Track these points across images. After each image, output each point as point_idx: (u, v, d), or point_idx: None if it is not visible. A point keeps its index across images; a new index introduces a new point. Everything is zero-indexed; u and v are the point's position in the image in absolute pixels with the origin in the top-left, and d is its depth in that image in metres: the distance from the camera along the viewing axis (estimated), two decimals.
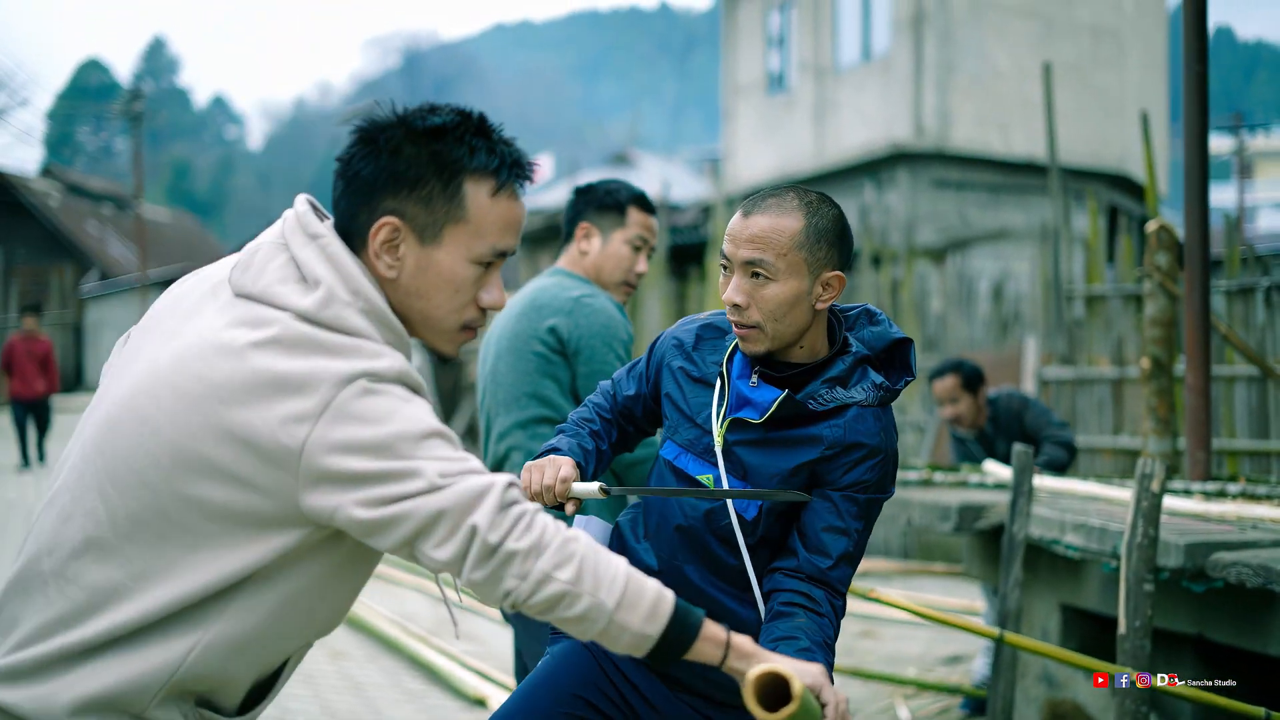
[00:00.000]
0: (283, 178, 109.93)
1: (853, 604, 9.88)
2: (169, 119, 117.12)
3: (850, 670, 7.35)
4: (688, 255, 15.95)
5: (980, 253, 16.73)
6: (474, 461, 2.03)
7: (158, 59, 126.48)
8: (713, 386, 2.93)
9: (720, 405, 2.89)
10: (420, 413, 2.03)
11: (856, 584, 8.52)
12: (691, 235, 17.13)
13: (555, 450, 2.96)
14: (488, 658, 8.07)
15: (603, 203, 4.32)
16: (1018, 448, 5.08)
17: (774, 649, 2.56)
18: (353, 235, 2.19)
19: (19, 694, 2.03)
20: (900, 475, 6.79)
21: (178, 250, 51.35)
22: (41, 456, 18.35)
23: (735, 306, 2.77)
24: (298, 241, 2.18)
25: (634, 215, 4.33)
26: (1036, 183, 16.79)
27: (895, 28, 17.82)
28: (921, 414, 12.21)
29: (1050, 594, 5.86)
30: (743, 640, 2.17)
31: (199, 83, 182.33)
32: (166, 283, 47.65)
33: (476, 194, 2.17)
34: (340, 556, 2.13)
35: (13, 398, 17.91)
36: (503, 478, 2.02)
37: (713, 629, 2.15)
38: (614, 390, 3.17)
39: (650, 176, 36.78)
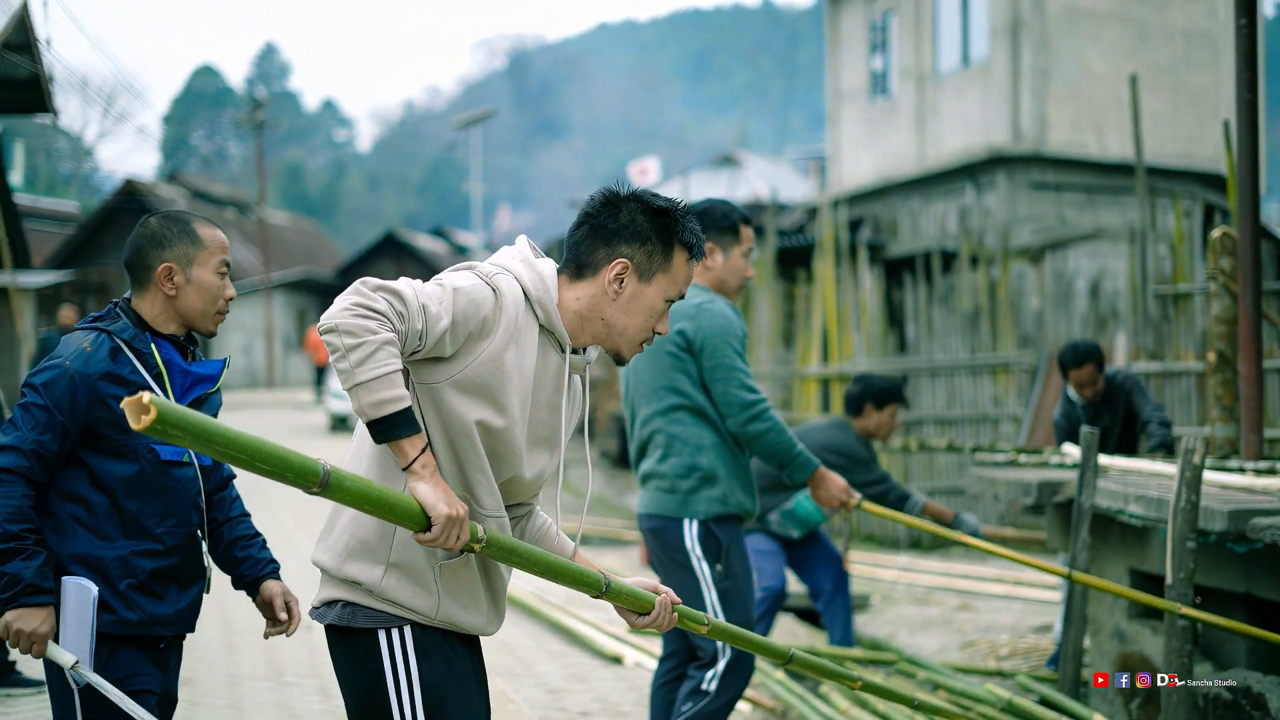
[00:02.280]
0: (392, 180, 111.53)
1: (951, 580, 10.72)
2: (280, 123, 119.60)
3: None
4: (794, 257, 16.69)
5: (1078, 252, 17.38)
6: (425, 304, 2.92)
7: (269, 64, 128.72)
8: (150, 388, 3.65)
9: (170, 394, 3.70)
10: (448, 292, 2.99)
11: (954, 564, 9.43)
12: (798, 238, 17.88)
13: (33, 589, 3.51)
14: (619, 623, 8.98)
15: (721, 224, 5.26)
16: (1084, 430, 5.89)
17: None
18: (585, 266, 3.17)
19: None
20: (989, 457, 7.60)
21: (297, 253, 52.86)
22: None
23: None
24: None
25: (744, 231, 5.29)
26: (1132, 183, 17.41)
27: (993, 35, 18.49)
28: (1017, 407, 12.94)
29: (1119, 559, 6.65)
30: (429, 462, 2.90)
31: (309, 87, 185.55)
32: (288, 285, 49.30)
33: (679, 257, 3.20)
34: None
35: None
36: (385, 332, 2.84)
37: (413, 447, 2.88)
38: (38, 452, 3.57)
39: (757, 178, 37.51)
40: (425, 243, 53.90)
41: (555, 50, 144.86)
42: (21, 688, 7.25)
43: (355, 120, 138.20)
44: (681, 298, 3.27)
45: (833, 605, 7.70)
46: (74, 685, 3.56)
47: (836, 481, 5.20)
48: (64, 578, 3.57)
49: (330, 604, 3.13)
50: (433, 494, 2.86)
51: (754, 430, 5.04)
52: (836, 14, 22.80)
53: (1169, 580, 5.17)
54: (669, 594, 3.35)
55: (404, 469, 2.91)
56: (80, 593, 3.55)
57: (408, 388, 3.01)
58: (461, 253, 52.81)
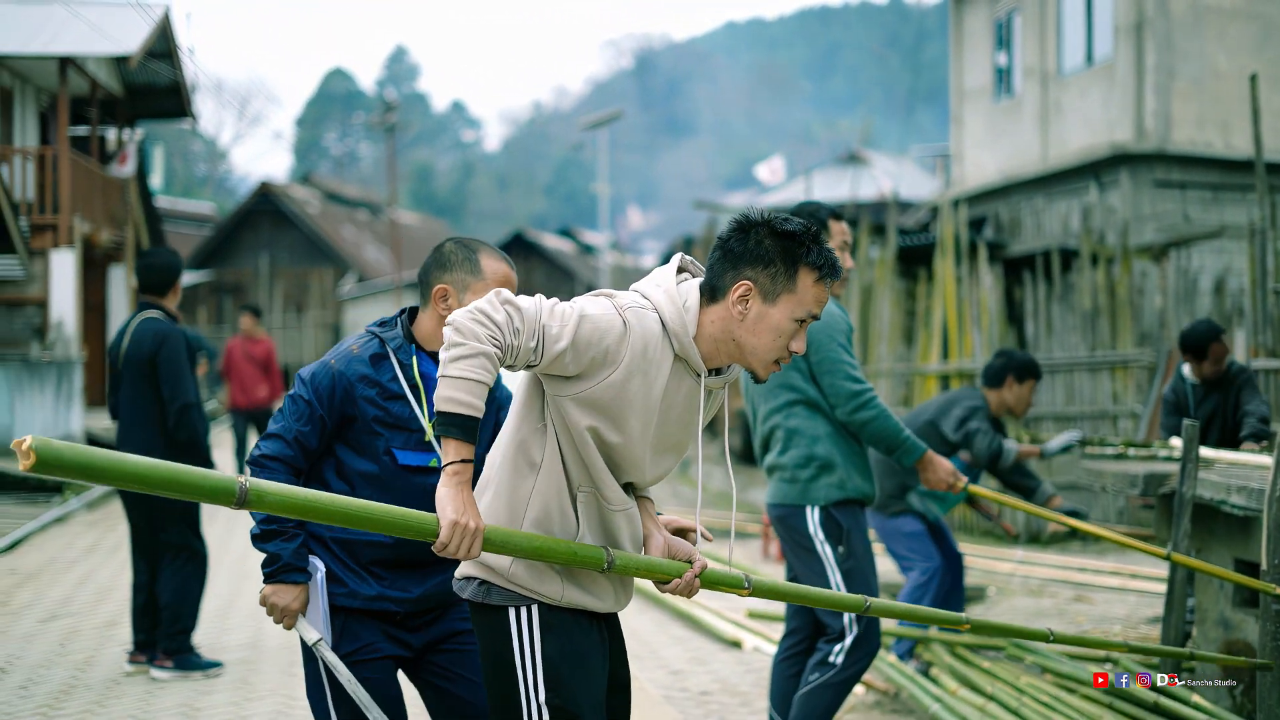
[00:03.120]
0: (520, 180, 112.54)
1: (1067, 574, 10.89)
2: (410, 125, 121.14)
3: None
4: (916, 256, 16.83)
5: (1202, 250, 17.36)
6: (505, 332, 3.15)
7: (399, 66, 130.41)
8: (406, 398, 4.00)
9: (424, 408, 3.99)
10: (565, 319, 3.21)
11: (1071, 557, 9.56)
12: (921, 236, 18.03)
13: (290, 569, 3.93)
14: (739, 609, 9.31)
15: (810, 219, 5.56)
16: (1186, 423, 6.10)
17: None
18: (716, 289, 3.36)
19: None
20: (1099, 450, 7.79)
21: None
22: None
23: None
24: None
25: (834, 226, 5.57)
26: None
27: (1117, 33, 18.51)
28: (1136, 403, 13.04)
29: (1224, 549, 6.83)
30: (462, 471, 3.13)
31: (438, 88, 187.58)
32: (418, 284, 49.83)
33: (805, 279, 3.34)
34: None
35: (231, 407, 16.91)
36: (492, 345, 3.12)
37: (456, 451, 3.12)
38: (300, 441, 3.95)
39: (882, 176, 37.54)
40: (552, 242, 54.47)
41: (682, 49, 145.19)
42: (197, 670, 7.78)
43: (483, 121, 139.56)
44: (815, 318, 3.40)
45: (947, 603, 7.96)
46: (320, 658, 3.94)
47: (944, 464, 5.52)
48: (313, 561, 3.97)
49: (469, 579, 3.44)
50: (447, 499, 3.11)
51: (861, 418, 5.36)
52: (960, 13, 22.89)
53: (1264, 565, 5.38)
54: (701, 563, 3.52)
55: (441, 466, 3.22)
56: (312, 566, 3.96)
57: (542, 404, 3.33)
58: (588, 252, 53.40)
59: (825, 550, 5.44)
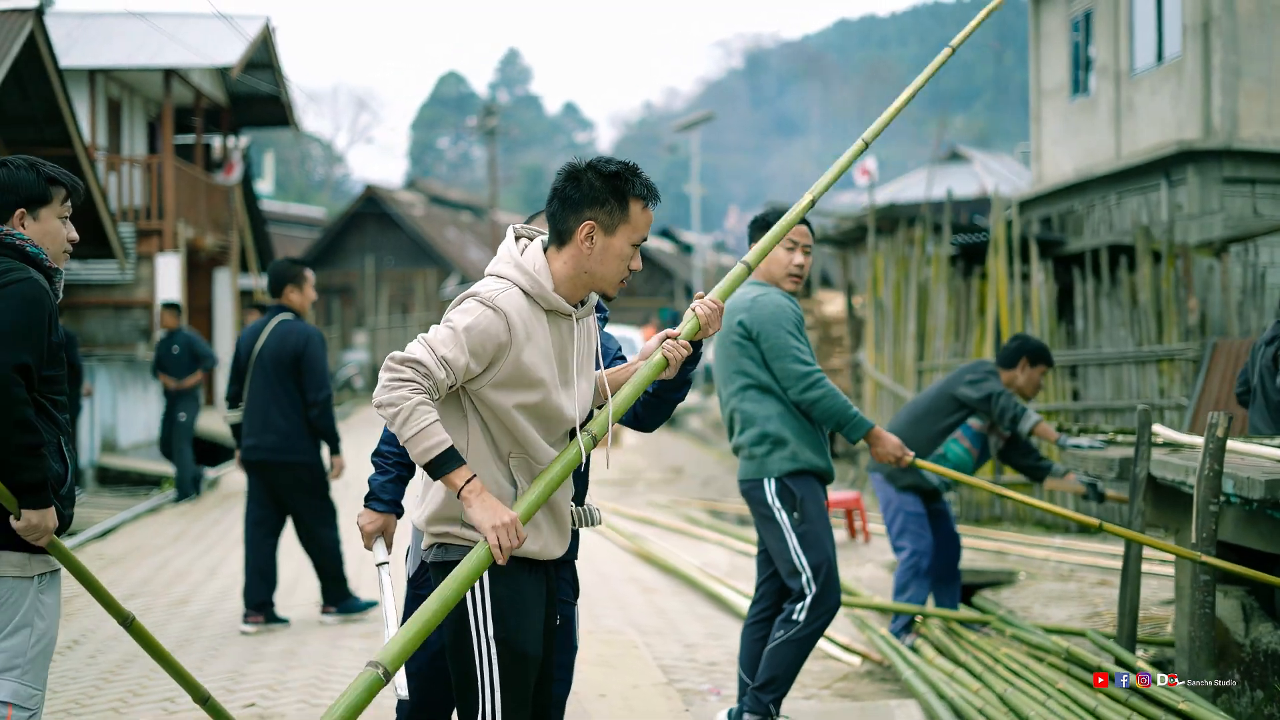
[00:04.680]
0: None
1: (1098, 560, 11.24)
2: (522, 126, 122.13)
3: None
4: (980, 254, 17.06)
5: (1271, 245, 17.50)
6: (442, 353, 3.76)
7: (511, 69, 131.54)
8: None
9: None
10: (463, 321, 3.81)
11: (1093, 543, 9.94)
12: (977, 235, 18.27)
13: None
14: None
15: (761, 224, 6.05)
16: (1140, 408, 6.52)
17: None
18: (563, 234, 3.95)
19: None
20: (1090, 440, 8.17)
21: None
22: None
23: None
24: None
25: (796, 229, 6.02)
26: None
27: (1185, 32, 18.67)
28: (1182, 397, 13.32)
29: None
30: (474, 484, 3.76)
31: (550, 91, 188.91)
32: None
33: (635, 208, 3.93)
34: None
35: None
36: (424, 356, 3.75)
37: (459, 478, 3.74)
38: None
39: (982, 173, 37.63)
40: (652, 243, 55.03)
41: (793, 48, 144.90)
42: (358, 610, 9.08)
43: (595, 123, 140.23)
44: (645, 240, 4.02)
45: (941, 584, 8.41)
46: (379, 575, 4.60)
47: (890, 439, 6.07)
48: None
49: (430, 548, 4.04)
50: (481, 514, 3.76)
51: (810, 397, 5.94)
52: (1039, 12, 23.13)
53: (1193, 539, 5.81)
54: (665, 333, 4.15)
55: (457, 496, 3.80)
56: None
57: (459, 395, 3.93)
58: (688, 252, 53.89)
59: (782, 517, 6.01)
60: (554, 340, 3.95)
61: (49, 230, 4.34)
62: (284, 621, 8.92)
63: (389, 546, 4.65)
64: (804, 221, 6.12)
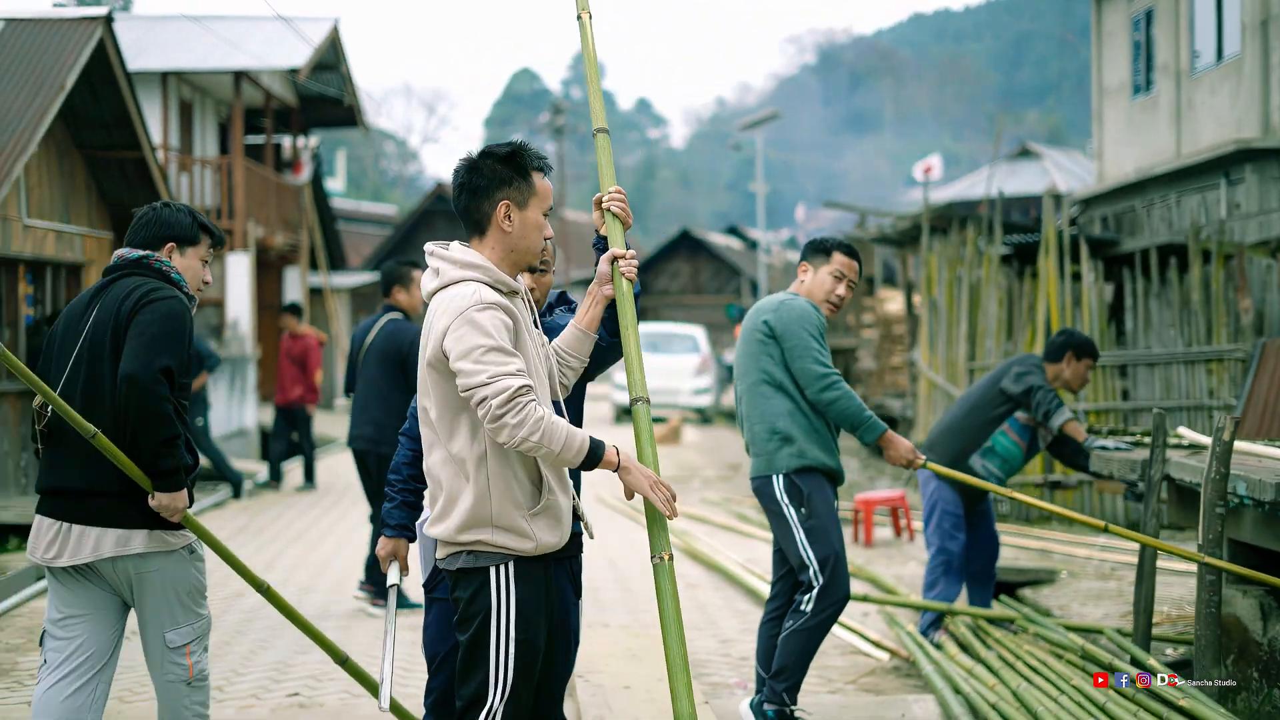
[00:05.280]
0: (703, 177, 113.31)
1: (1136, 558, 11.32)
2: (578, 127, 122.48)
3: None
4: (1032, 253, 17.09)
5: None
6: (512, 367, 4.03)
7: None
8: None
9: None
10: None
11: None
12: (1029, 235, 18.31)
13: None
14: None
15: (816, 248, 6.41)
16: (1155, 410, 6.66)
17: None
18: (480, 222, 4.23)
19: None
20: (1117, 441, 8.27)
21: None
22: (309, 477, 17.44)
23: None
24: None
25: (836, 257, 6.40)
26: None
27: (1244, 30, 18.63)
28: (1231, 397, 13.36)
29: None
30: (618, 451, 4.15)
31: (623, 87, 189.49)
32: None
33: (537, 178, 4.24)
34: None
35: (276, 404, 17.67)
36: (516, 382, 3.97)
37: (610, 458, 4.11)
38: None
39: (1051, 169, 37.44)
40: (719, 240, 55.24)
41: (867, 43, 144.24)
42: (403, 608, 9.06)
43: (668, 119, 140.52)
44: (553, 208, 4.33)
45: (976, 583, 8.56)
46: (388, 595, 5.01)
47: (903, 443, 6.29)
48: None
49: (457, 554, 4.21)
50: (639, 478, 4.16)
51: (827, 398, 6.16)
52: (1101, 10, 23.13)
53: (1200, 539, 5.95)
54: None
55: (616, 470, 4.15)
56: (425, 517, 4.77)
57: (461, 410, 4.16)
58: (754, 249, 54.02)
59: (790, 512, 6.25)
60: (523, 313, 4.25)
61: (190, 267, 5.10)
62: (414, 606, 9.06)
63: (404, 570, 4.98)
64: (854, 256, 6.46)
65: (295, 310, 17.70)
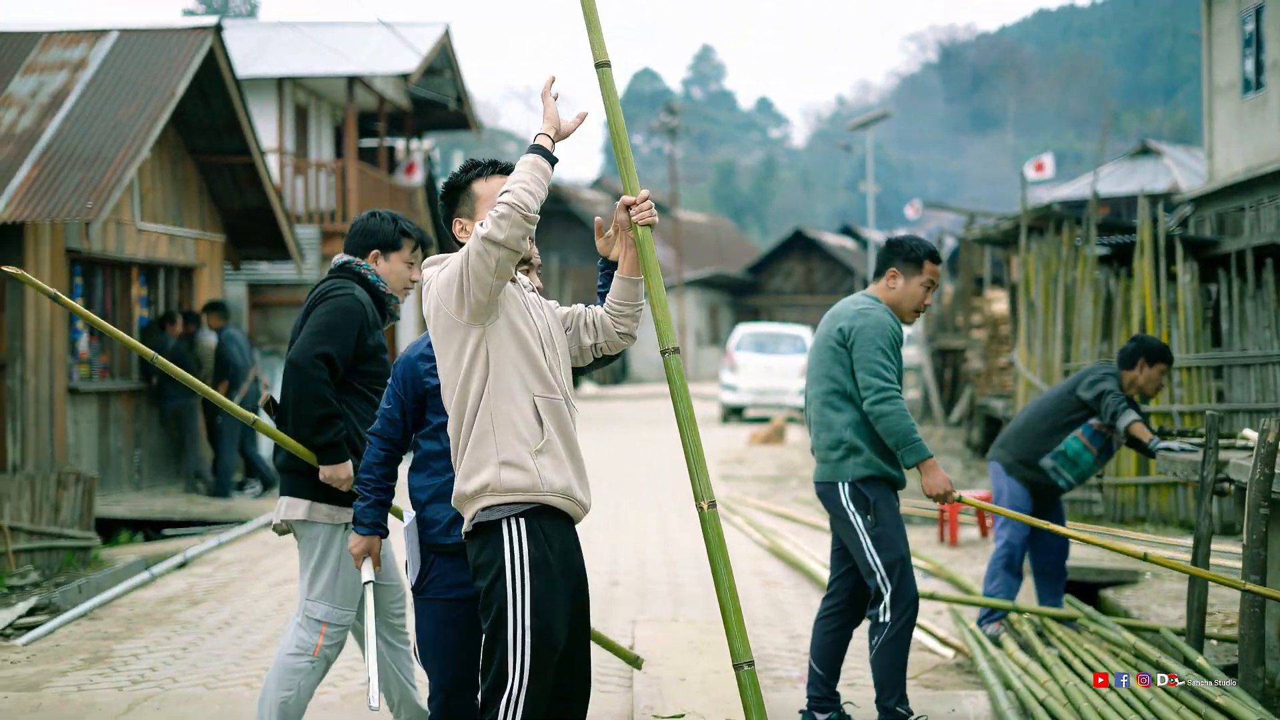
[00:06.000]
0: (822, 177, 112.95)
1: (1223, 560, 11.28)
2: (715, 123, 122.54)
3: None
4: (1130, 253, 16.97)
5: None
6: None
7: (705, 65, 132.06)
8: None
9: None
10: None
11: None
12: (1125, 236, 18.21)
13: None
14: None
15: (907, 255, 6.48)
16: (1208, 412, 6.71)
17: None
18: (453, 235, 4.65)
19: None
20: (1182, 443, 8.30)
21: (711, 252, 54.93)
22: None
23: None
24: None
25: (928, 266, 6.47)
26: None
27: None
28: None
29: None
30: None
31: (743, 86, 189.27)
32: (700, 282, 51.64)
33: (478, 186, 4.67)
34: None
35: None
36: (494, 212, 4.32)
37: (544, 141, 4.44)
38: (387, 418, 5.06)
39: (1172, 167, 36.99)
40: (832, 239, 55.15)
41: (990, 40, 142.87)
42: None
43: (788, 118, 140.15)
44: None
45: (1045, 580, 8.63)
46: (362, 593, 5.35)
47: (939, 475, 6.32)
48: (406, 511, 5.09)
49: (472, 517, 4.46)
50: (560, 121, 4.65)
51: (879, 410, 6.24)
52: (1210, 8, 22.88)
53: (1244, 540, 6.02)
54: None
55: (554, 139, 4.52)
56: (409, 520, 5.00)
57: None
58: (867, 248, 53.91)
59: (856, 520, 6.35)
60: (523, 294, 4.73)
61: (394, 270, 5.73)
62: None
63: (376, 565, 5.19)
64: (936, 260, 6.55)
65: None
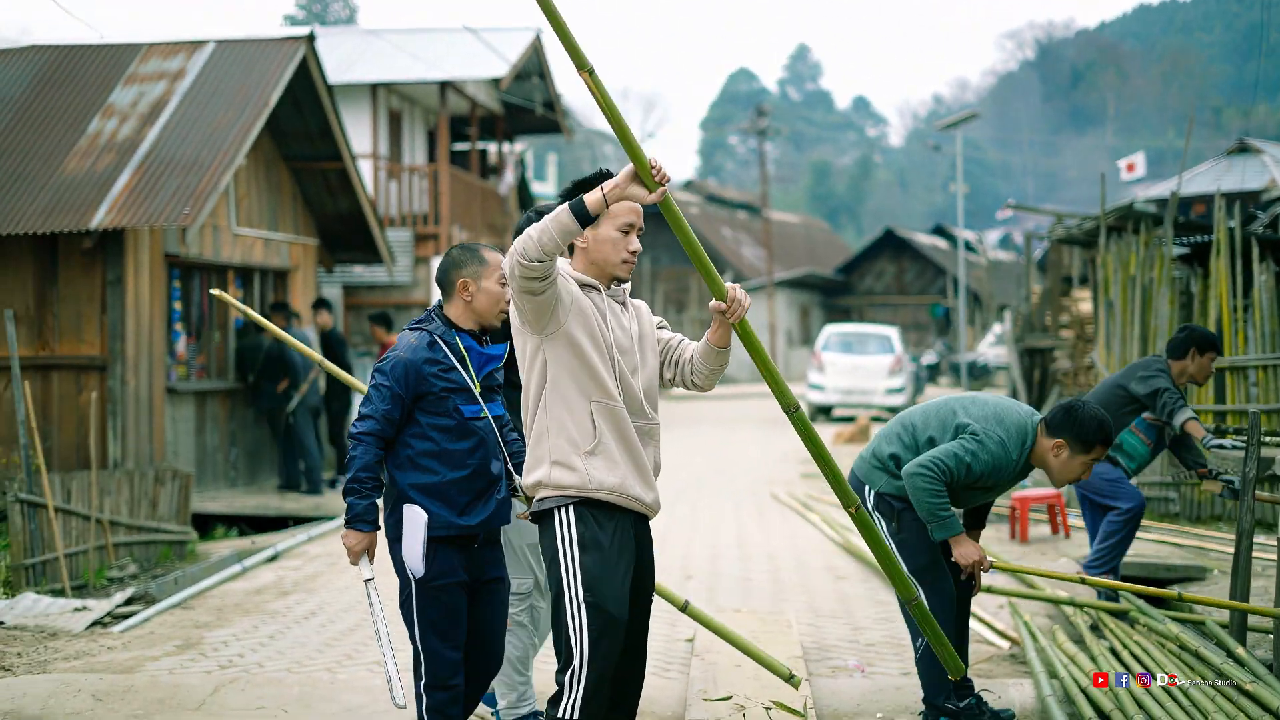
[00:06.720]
0: (918, 176, 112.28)
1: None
2: (812, 122, 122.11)
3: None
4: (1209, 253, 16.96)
5: None
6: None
7: (801, 65, 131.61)
8: (456, 368, 5.37)
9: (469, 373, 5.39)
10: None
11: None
12: (1201, 236, 18.19)
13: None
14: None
15: (1083, 436, 6.22)
16: (1251, 410, 6.90)
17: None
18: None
19: None
20: (1234, 441, 8.46)
21: (802, 253, 54.99)
22: None
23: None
24: None
25: (1098, 450, 6.24)
26: None
27: None
28: None
29: None
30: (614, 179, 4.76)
31: (839, 85, 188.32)
32: (791, 282, 51.70)
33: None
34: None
35: None
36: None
37: (595, 196, 4.69)
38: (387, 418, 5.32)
39: (1271, 164, 36.59)
40: (924, 239, 55.00)
41: (1088, 37, 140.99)
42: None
43: (885, 117, 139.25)
44: (632, 226, 4.98)
45: (1114, 522, 8.73)
46: (366, 590, 5.48)
47: (972, 546, 6.28)
48: (405, 505, 5.34)
49: (538, 505, 4.93)
50: (634, 191, 4.84)
51: (915, 484, 6.23)
52: None
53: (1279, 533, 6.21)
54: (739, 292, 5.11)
55: (607, 198, 4.75)
56: (414, 515, 5.30)
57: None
58: (958, 248, 53.71)
59: (880, 524, 6.49)
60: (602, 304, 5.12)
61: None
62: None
63: (372, 562, 5.37)
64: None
65: (381, 320, 17.14)
